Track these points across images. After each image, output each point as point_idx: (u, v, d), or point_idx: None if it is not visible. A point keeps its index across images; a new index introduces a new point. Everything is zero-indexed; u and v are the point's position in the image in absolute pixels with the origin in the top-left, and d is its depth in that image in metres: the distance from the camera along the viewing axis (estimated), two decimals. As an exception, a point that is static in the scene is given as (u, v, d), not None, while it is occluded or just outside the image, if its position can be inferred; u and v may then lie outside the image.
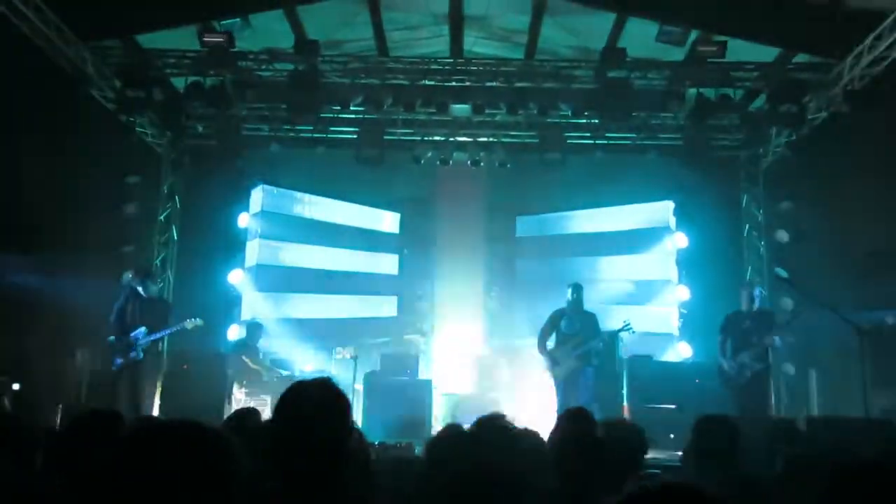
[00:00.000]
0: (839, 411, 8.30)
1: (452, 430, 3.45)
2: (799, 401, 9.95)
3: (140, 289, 8.59)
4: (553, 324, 9.25)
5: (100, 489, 1.33)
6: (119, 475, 1.34)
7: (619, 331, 9.32)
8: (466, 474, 2.54)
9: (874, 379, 7.30)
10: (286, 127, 11.36)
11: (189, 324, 8.68)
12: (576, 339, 9.01)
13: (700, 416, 4.58)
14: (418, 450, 7.07)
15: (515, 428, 3.65)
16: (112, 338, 8.40)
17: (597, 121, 10.85)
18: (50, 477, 2.67)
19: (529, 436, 4.01)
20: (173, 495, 1.32)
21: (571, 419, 3.58)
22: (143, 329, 8.34)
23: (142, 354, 8.33)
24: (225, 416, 4.60)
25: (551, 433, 3.61)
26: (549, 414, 9.69)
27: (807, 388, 10.02)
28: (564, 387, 8.98)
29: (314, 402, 2.30)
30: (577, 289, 9.32)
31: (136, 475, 1.33)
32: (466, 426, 3.49)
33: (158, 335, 8.50)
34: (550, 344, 9.19)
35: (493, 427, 3.47)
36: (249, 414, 4.33)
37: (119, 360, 8.29)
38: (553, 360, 9.08)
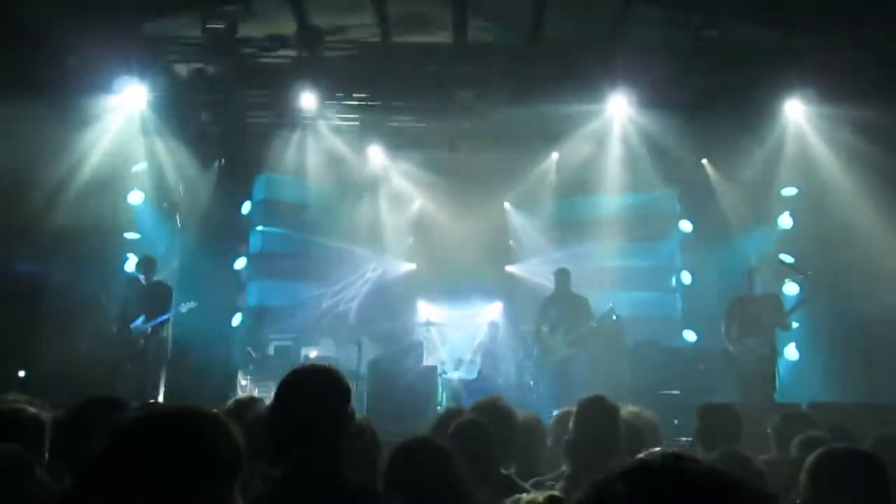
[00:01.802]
0: (844, 397, 8.30)
1: (453, 413, 3.46)
2: (804, 385, 9.94)
3: (141, 277, 8.70)
4: (544, 312, 9.30)
5: (96, 475, 1.34)
6: (115, 461, 1.34)
7: (604, 317, 9.33)
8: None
9: (878, 364, 7.32)
10: (289, 114, 11.31)
11: (184, 307, 8.83)
12: (566, 325, 9.03)
13: (705, 402, 4.60)
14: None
15: (514, 412, 3.66)
16: (115, 328, 8.52)
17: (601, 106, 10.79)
18: (57, 466, 2.68)
19: (528, 421, 4.02)
20: (169, 480, 1.32)
21: (590, 406, 3.57)
22: (141, 317, 8.47)
23: (142, 342, 8.45)
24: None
25: (573, 420, 3.58)
26: (548, 402, 9.74)
27: (811, 373, 10.01)
28: (558, 375, 9.01)
29: (312, 388, 2.29)
30: (562, 274, 9.35)
31: (133, 460, 1.33)
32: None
33: (156, 322, 8.59)
34: (545, 333, 9.21)
35: (491, 411, 3.47)
36: (250, 402, 4.31)
37: (121, 352, 8.39)
38: (544, 348, 9.10)
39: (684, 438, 6.00)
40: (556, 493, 2.22)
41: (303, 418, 2.22)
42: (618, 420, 3.48)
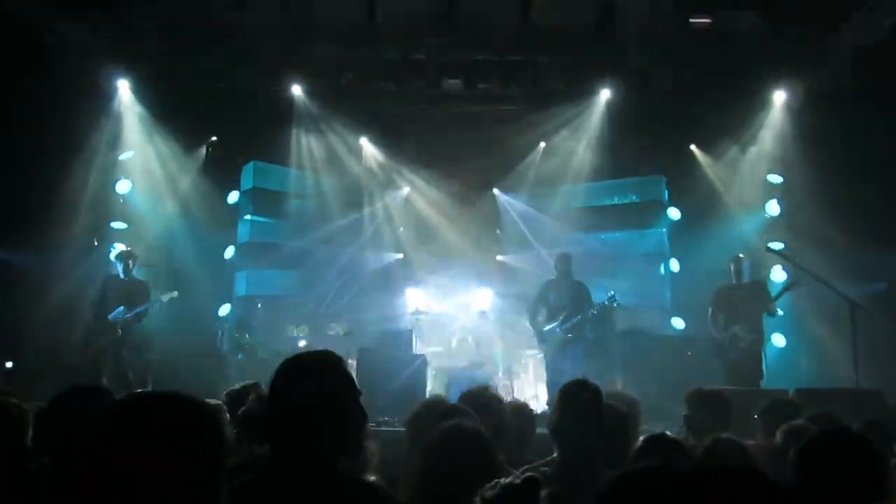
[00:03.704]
0: (831, 383, 8.36)
1: (432, 403, 3.45)
2: (791, 372, 10.01)
3: (120, 269, 8.60)
4: (542, 296, 9.20)
5: (79, 463, 1.31)
6: (98, 447, 1.32)
7: (604, 303, 9.25)
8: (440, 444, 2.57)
9: (865, 349, 7.35)
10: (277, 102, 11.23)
11: (165, 297, 8.72)
12: (565, 311, 8.96)
13: (693, 389, 4.61)
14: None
15: (503, 401, 3.66)
16: (92, 319, 8.44)
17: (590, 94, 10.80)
18: (39, 455, 2.66)
19: (518, 408, 4.02)
20: (154, 467, 1.30)
21: (573, 391, 3.58)
22: (120, 308, 8.37)
23: (120, 331, 8.36)
24: (221, 395, 4.56)
25: (556, 406, 3.58)
26: (542, 388, 9.75)
27: (798, 360, 10.08)
28: (553, 361, 8.97)
29: (310, 372, 2.25)
30: (565, 258, 9.22)
31: (116, 446, 1.31)
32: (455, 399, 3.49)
33: (136, 311, 8.51)
34: (542, 318, 9.15)
35: (479, 400, 3.47)
36: (244, 391, 4.28)
37: (100, 341, 8.30)
38: (542, 334, 9.05)
39: (669, 434, 6.02)
40: (533, 474, 2.21)
41: (298, 403, 2.17)
42: (599, 403, 3.47)
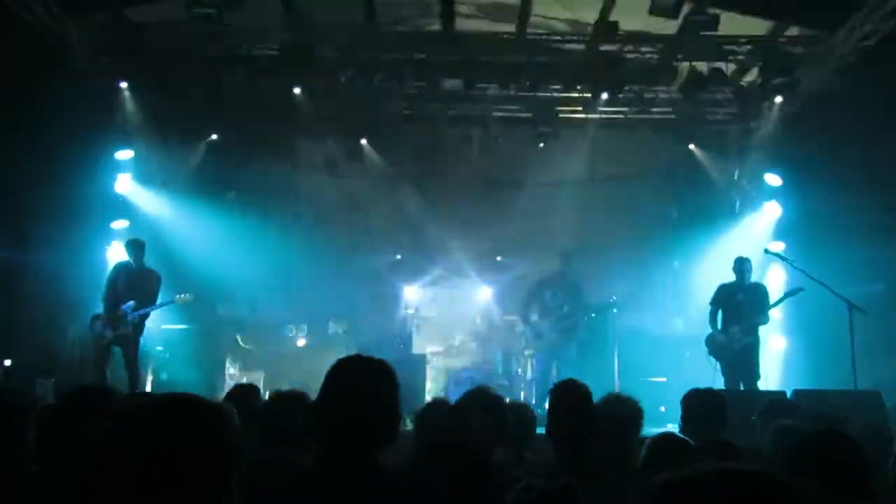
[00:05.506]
0: (829, 384, 8.37)
1: (437, 404, 3.46)
2: (789, 373, 10.03)
3: (130, 260, 8.51)
4: (536, 294, 9.17)
5: (88, 464, 1.31)
6: (108, 450, 1.31)
7: (605, 308, 9.25)
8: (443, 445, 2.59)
9: (863, 350, 7.37)
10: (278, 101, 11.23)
11: (179, 299, 8.61)
12: (560, 310, 8.95)
13: (689, 390, 4.62)
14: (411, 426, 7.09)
15: (503, 401, 3.66)
16: (100, 311, 8.34)
17: (589, 95, 10.79)
18: (42, 454, 2.66)
19: (518, 408, 4.03)
20: (165, 471, 1.29)
21: (561, 391, 3.59)
22: (131, 303, 8.25)
23: (130, 328, 8.24)
24: (222, 393, 4.59)
25: (548, 407, 3.60)
26: (539, 388, 9.74)
27: (797, 361, 10.08)
28: (545, 360, 8.96)
29: (369, 378, 2.32)
30: (568, 258, 9.18)
31: (127, 450, 1.30)
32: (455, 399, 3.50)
33: (147, 310, 8.39)
34: (535, 316, 9.13)
35: (480, 400, 3.48)
36: (249, 391, 4.30)
37: (108, 334, 8.20)
38: (536, 332, 9.02)
39: (671, 426, 6.05)
40: (572, 481, 2.20)
41: (360, 407, 2.24)
42: (589, 404, 3.47)
